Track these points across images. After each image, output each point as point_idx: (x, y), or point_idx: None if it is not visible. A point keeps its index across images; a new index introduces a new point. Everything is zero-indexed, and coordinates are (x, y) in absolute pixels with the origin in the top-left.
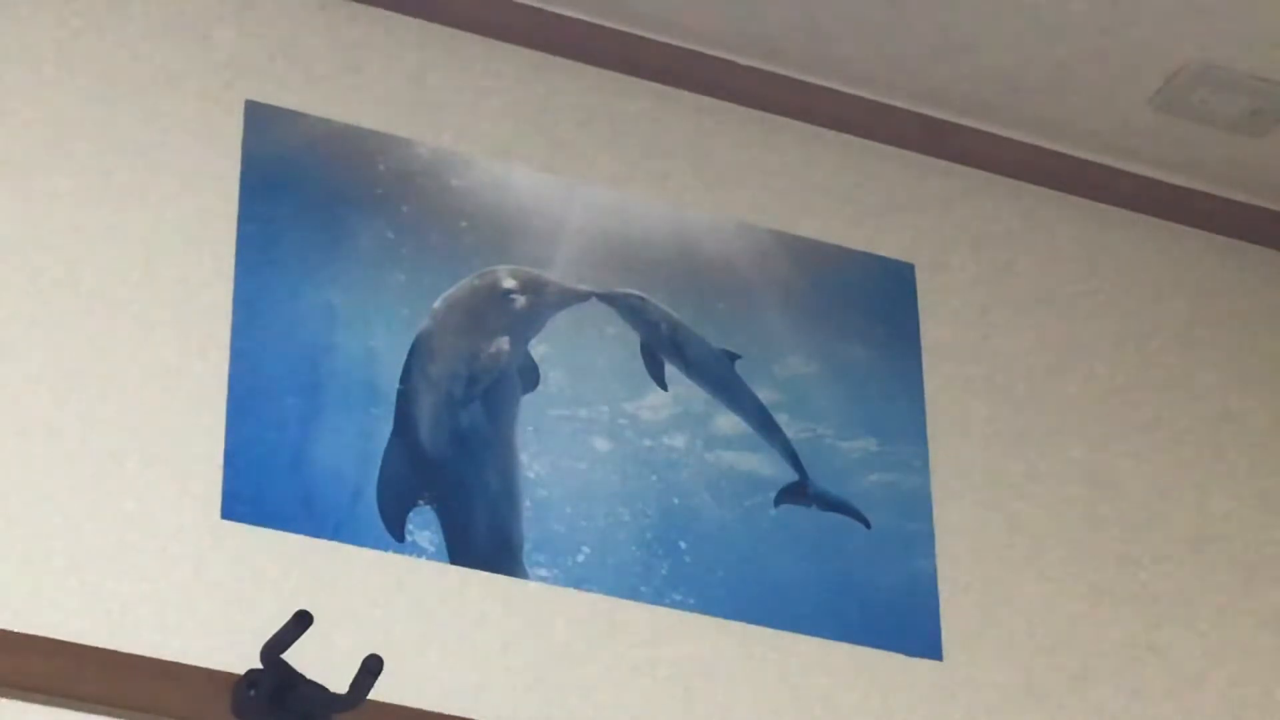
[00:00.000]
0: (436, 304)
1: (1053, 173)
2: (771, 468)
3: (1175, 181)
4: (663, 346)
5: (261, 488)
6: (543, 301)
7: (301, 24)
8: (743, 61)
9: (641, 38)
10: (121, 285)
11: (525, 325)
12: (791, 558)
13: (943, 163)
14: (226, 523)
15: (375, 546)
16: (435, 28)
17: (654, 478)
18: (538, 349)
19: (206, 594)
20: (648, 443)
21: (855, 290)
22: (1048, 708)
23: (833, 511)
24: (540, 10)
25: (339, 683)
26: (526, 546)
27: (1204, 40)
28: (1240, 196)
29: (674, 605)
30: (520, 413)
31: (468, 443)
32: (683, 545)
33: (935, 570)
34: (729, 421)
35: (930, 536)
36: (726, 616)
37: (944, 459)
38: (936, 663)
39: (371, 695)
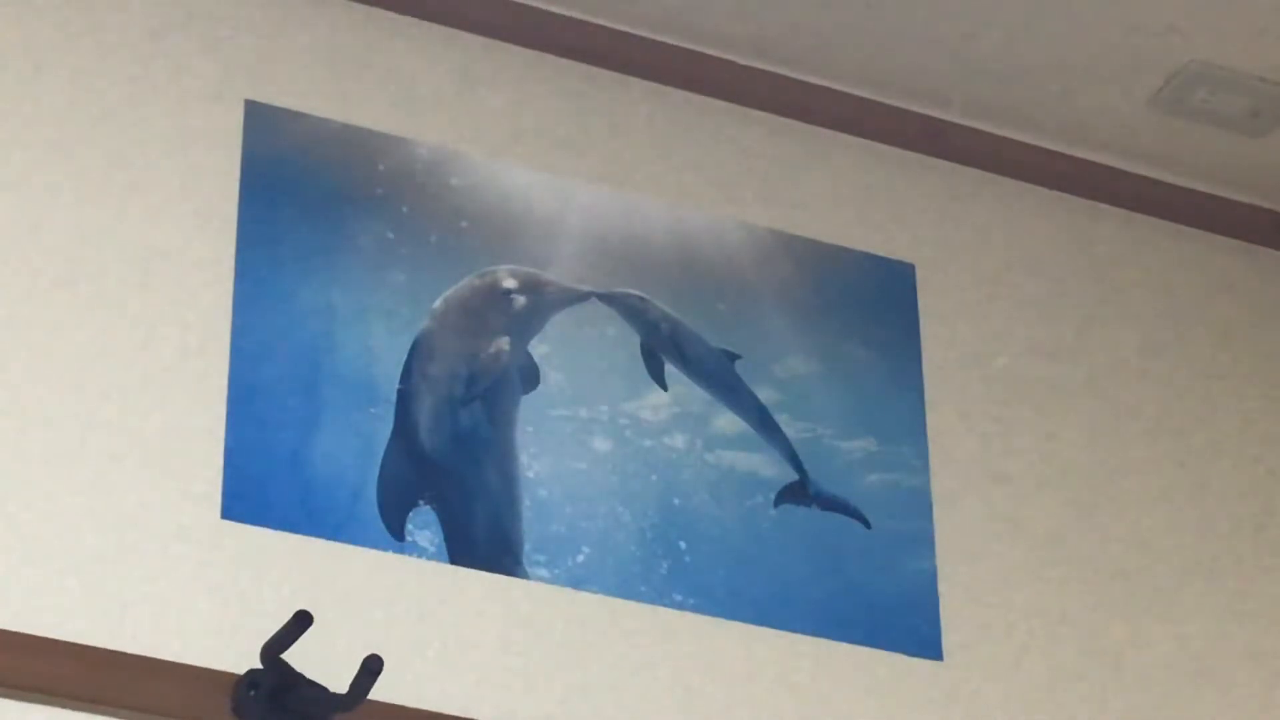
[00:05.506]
0: (436, 304)
1: (1053, 173)
2: (771, 468)
3: (1175, 181)
4: (663, 346)
5: (261, 488)
6: (543, 301)
7: (301, 24)
8: (742, 61)
9: (641, 38)
10: (121, 285)
11: (525, 325)
12: (791, 558)
13: (943, 163)
14: (226, 523)
15: (375, 546)
16: (435, 28)
17: (654, 478)
18: (538, 349)
19: (206, 594)
20: (648, 443)
21: (855, 290)
22: (1048, 708)
23: (833, 511)
24: (540, 10)
25: (339, 683)
26: (526, 546)
27: (1204, 40)
28: (1240, 196)
29: (674, 605)
30: (520, 413)
31: (468, 443)
32: (683, 545)
33: (935, 570)
34: (729, 421)
35: (930, 536)
36: (726, 616)
37: (944, 459)
38: (936, 663)
39: (371, 695)
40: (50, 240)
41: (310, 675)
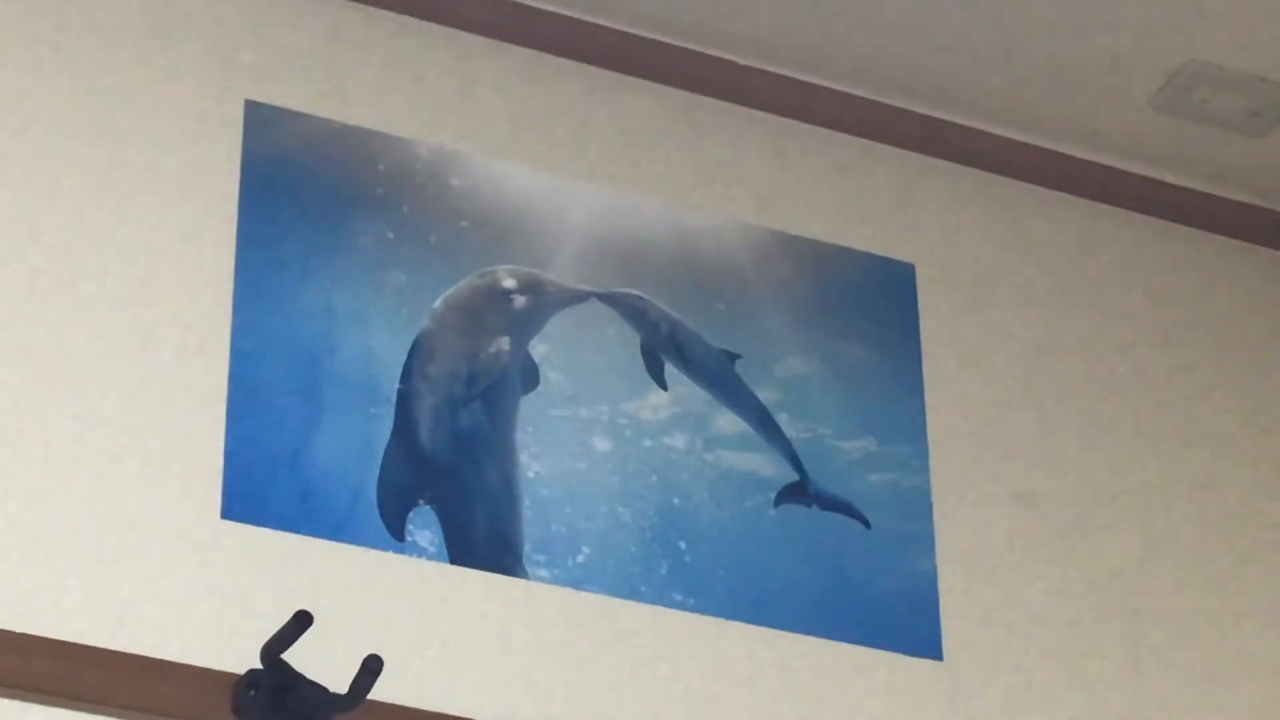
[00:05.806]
0: (436, 304)
1: (1053, 173)
2: (771, 468)
3: (1175, 181)
4: (663, 346)
5: (261, 488)
6: (543, 301)
7: (301, 24)
8: (742, 61)
9: (641, 38)
10: (121, 285)
11: (525, 325)
12: (791, 558)
13: (943, 163)
14: (226, 523)
15: (375, 546)
16: (435, 28)
17: (654, 478)
18: (538, 349)
19: (206, 594)
20: (648, 443)
21: (855, 290)
22: (1048, 708)
23: (833, 511)
24: (540, 10)
25: (339, 683)
26: (526, 546)
27: (1204, 40)
28: (1240, 196)
29: (674, 605)
30: (520, 413)
31: (468, 443)
32: (683, 545)
33: (935, 570)
34: (729, 421)
35: (930, 536)
36: (726, 616)
37: (944, 459)
38: (936, 663)
39: (371, 695)
40: (50, 240)
41: (310, 675)
